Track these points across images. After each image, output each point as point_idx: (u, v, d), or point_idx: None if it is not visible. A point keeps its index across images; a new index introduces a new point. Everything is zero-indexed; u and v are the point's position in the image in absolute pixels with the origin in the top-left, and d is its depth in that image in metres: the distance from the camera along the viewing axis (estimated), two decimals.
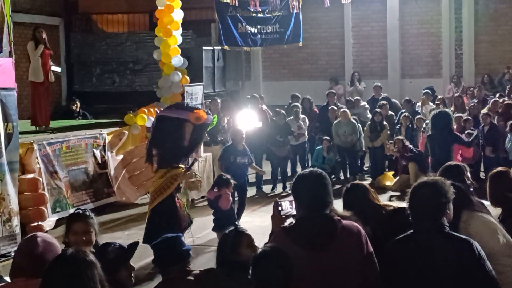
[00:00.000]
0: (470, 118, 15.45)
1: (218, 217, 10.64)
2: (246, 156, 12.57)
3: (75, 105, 19.35)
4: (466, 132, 14.60)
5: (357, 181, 5.90)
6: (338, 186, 13.52)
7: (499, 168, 6.40)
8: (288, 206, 4.90)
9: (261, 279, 4.31)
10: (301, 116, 16.66)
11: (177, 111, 10.24)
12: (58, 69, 14.78)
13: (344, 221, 4.56)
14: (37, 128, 14.14)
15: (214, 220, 10.75)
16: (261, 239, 5.29)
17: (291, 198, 4.80)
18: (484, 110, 16.10)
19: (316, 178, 4.60)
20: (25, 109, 16.96)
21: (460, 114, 16.01)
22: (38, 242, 4.32)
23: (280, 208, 4.88)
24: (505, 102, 16.40)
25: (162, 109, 11.80)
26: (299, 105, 17.08)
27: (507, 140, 14.51)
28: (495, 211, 6.09)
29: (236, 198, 12.49)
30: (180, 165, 10.09)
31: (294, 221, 4.70)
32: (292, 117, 16.52)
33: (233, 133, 13.04)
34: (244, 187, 12.62)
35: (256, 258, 4.37)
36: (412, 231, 4.58)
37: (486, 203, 5.75)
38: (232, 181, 10.63)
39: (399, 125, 16.82)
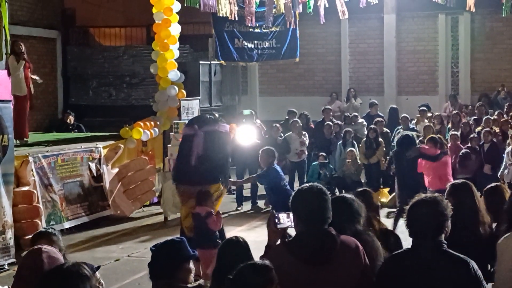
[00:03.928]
0: (475, 135, 15.45)
1: (200, 233, 9.47)
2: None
3: (69, 118, 19.33)
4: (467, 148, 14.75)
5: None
6: None
7: (493, 184, 6.50)
8: (285, 219, 4.87)
9: None
10: (303, 132, 16.65)
11: (223, 125, 10.24)
12: (37, 77, 14.69)
13: (343, 236, 4.56)
14: (17, 142, 13.43)
15: (194, 236, 9.43)
16: (256, 254, 5.27)
17: (288, 211, 4.79)
18: (479, 128, 16.16)
19: (315, 193, 4.60)
20: None
21: (456, 132, 16.04)
22: (43, 258, 4.29)
23: (277, 221, 4.86)
24: (503, 119, 16.50)
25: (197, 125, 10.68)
26: (299, 120, 17.04)
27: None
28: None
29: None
30: None
31: (292, 235, 4.69)
32: (290, 132, 16.49)
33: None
34: None
35: (239, 271, 4.32)
36: (409, 247, 4.58)
37: None
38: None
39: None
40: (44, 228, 5.49)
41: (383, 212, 14.60)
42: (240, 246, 5.31)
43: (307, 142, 16.64)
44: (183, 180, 10.31)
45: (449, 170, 12.78)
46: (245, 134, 14.75)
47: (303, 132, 16.68)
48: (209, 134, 10.13)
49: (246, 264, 4.29)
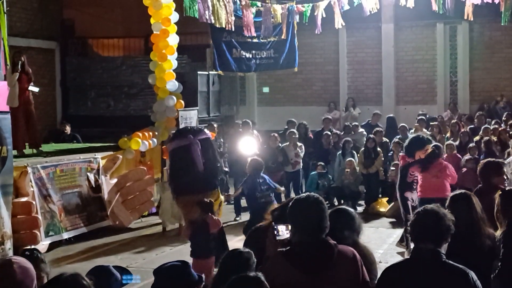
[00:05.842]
0: (474, 145, 15.45)
1: (196, 242, 9.48)
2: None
3: (66, 128, 19.31)
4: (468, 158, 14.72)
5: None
6: None
7: (478, 186, 6.53)
8: (284, 231, 4.86)
9: None
10: (298, 143, 16.61)
11: (208, 132, 10.38)
12: (35, 89, 14.60)
13: (340, 246, 4.56)
14: (16, 153, 13.38)
15: (192, 245, 9.51)
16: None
17: (287, 222, 4.78)
18: (477, 138, 16.16)
19: (312, 202, 4.60)
20: None
21: (452, 142, 16.01)
22: (15, 268, 4.27)
23: (276, 233, 4.85)
24: (500, 129, 16.51)
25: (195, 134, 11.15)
26: (295, 131, 17.01)
27: None
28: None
29: None
30: None
31: (290, 245, 4.69)
32: (287, 143, 16.47)
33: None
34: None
35: (230, 283, 4.27)
36: (409, 257, 4.59)
37: None
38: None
39: (392, 151, 16.80)
40: (29, 250, 5.34)
41: (382, 222, 14.62)
42: (241, 258, 5.27)
43: (302, 153, 16.56)
44: (187, 190, 10.34)
45: (440, 179, 12.09)
46: (247, 145, 14.78)
47: (299, 144, 16.62)
48: (204, 142, 10.29)
49: (237, 276, 4.27)
